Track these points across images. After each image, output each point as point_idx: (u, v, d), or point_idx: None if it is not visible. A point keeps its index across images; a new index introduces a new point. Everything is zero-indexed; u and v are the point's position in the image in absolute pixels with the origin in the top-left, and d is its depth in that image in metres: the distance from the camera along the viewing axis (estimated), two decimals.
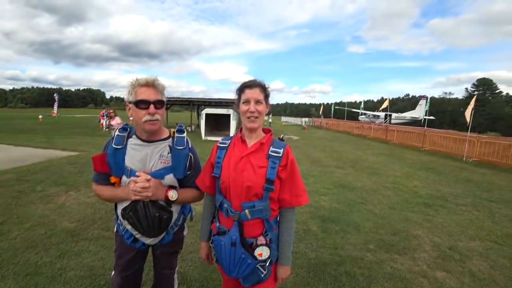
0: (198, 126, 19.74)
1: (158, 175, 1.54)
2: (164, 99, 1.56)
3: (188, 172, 1.62)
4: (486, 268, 3.27)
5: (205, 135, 16.73)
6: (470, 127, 13.54)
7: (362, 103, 41.39)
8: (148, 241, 1.65)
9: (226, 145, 1.52)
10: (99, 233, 3.65)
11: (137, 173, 1.49)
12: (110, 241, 3.41)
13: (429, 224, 4.52)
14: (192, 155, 1.64)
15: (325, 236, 3.86)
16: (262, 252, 1.38)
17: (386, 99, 31.83)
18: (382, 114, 40.16)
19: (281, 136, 1.57)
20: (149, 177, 1.47)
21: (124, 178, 1.55)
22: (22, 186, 5.54)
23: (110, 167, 1.54)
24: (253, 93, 1.42)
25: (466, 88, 67.67)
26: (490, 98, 61.77)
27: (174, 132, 1.64)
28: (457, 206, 5.55)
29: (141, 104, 1.46)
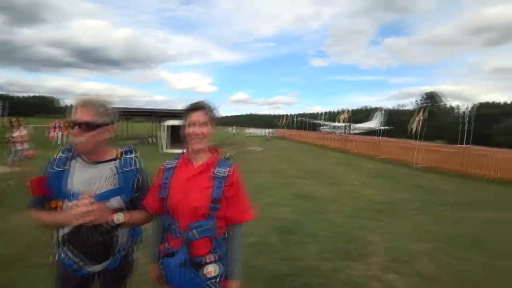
0: (160, 138, 19.15)
1: (103, 197, 1.47)
2: (100, 121, 1.47)
3: (135, 194, 1.57)
4: (432, 268, 3.52)
5: (167, 147, 16.29)
6: (419, 136, 14.70)
7: (323, 115, 43.15)
8: (92, 268, 1.54)
9: (173, 166, 1.53)
10: (47, 259, 3.33)
11: (79, 197, 1.40)
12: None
13: (382, 230, 4.78)
14: (140, 176, 1.59)
15: (284, 248, 3.90)
16: (212, 270, 1.40)
17: (346, 110, 33.52)
18: (342, 125, 42.10)
19: (227, 156, 1.60)
20: (92, 200, 1.39)
21: (66, 202, 1.45)
22: None
23: (51, 191, 1.45)
24: (198, 116, 1.45)
25: (416, 101, 74.21)
26: (436, 109, 67.83)
27: (121, 153, 1.59)
28: (408, 211, 5.95)
29: (70, 124, 1.43)
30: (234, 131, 38.96)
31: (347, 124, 40.44)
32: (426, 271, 3.43)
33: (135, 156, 1.61)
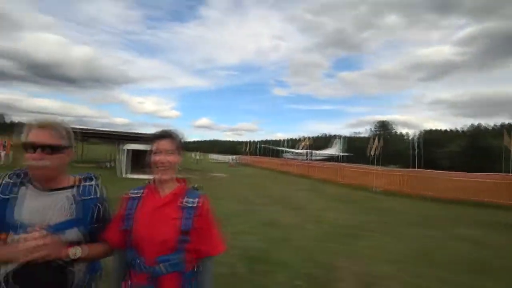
0: (120, 161, 18.12)
1: (58, 229, 1.29)
2: (64, 144, 1.35)
3: (95, 225, 1.41)
4: None
5: (126, 172, 15.45)
6: (376, 161, 15.61)
7: (286, 142, 44.40)
8: None
9: (139, 195, 1.42)
10: None
11: (29, 229, 1.21)
12: None
13: (347, 253, 4.84)
14: (100, 206, 1.44)
15: (253, 278, 3.74)
16: None
17: (306, 137, 34.83)
18: (304, 152, 43.50)
19: (195, 186, 1.52)
20: (44, 232, 1.22)
21: (12, 234, 1.25)
22: None
23: None
24: (164, 144, 1.40)
25: (371, 128, 79.84)
26: (388, 136, 73.45)
27: (80, 180, 1.44)
28: (370, 233, 6.13)
29: (27, 146, 1.27)
30: (197, 157, 38.30)
31: (308, 151, 41.94)
32: None
33: (96, 184, 1.47)
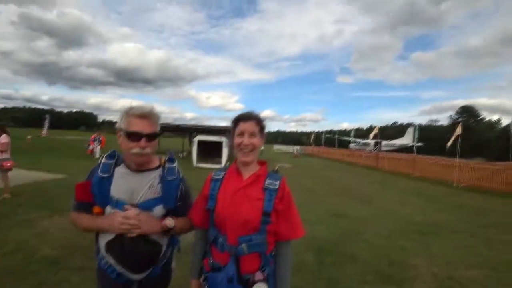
0: (190, 153, 19.58)
1: (147, 206, 1.46)
2: (158, 130, 1.50)
3: (178, 203, 1.55)
4: None
5: (197, 162, 16.59)
6: (450, 152, 13.83)
7: (353, 131, 42.15)
8: (134, 276, 1.51)
9: (221, 177, 1.47)
10: (82, 263, 3.40)
11: (126, 207, 1.39)
12: (94, 272, 3.20)
13: (425, 252, 4.43)
14: (183, 186, 1.58)
15: (321, 268, 3.72)
16: None
17: (375, 127, 32.49)
18: (372, 142, 40.82)
19: (276, 168, 1.53)
20: (138, 211, 1.39)
21: (108, 208, 1.45)
22: (2, 208, 5.24)
23: (95, 197, 1.44)
24: (248, 126, 1.40)
25: (451, 115, 70.06)
26: (473, 124, 63.76)
27: (164, 162, 1.58)
28: (452, 233, 5.50)
29: (132, 136, 1.40)
30: (262, 148, 39.06)
31: (377, 140, 39.19)
32: None
33: (177, 166, 1.59)
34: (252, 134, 1.40)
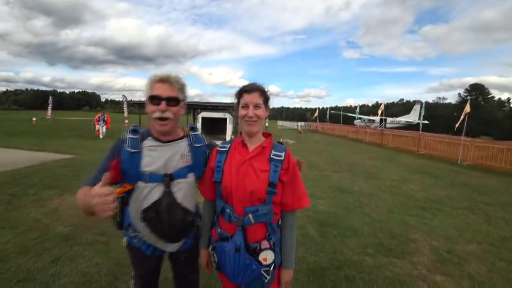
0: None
1: (182, 174, 1.49)
2: (181, 97, 1.48)
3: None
4: (485, 271, 3.27)
5: None
6: (463, 131, 13.69)
7: (358, 108, 41.63)
8: (169, 248, 1.56)
9: (226, 149, 1.50)
10: (94, 238, 3.56)
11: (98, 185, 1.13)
12: (106, 246, 3.34)
13: (426, 227, 4.53)
14: (208, 152, 1.60)
15: (324, 241, 3.83)
16: (267, 257, 1.36)
17: (381, 103, 32.03)
18: (377, 119, 40.42)
19: (280, 140, 1.55)
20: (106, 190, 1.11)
21: (140, 183, 1.43)
22: (14, 189, 5.41)
23: (124, 173, 1.42)
24: (252, 98, 1.40)
25: (459, 93, 68.71)
26: (482, 102, 62.62)
27: (188, 130, 1.61)
28: (453, 210, 5.57)
29: (153, 99, 1.40)
30: (266, 124, 39.05)
31: (383, 117, 38.78)
32: (477, 274, 3.20)
33: (200, 133, 1.63)
34: (256, 106, 1.40)
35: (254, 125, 1.41)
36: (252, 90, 1.42)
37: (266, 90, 1.46)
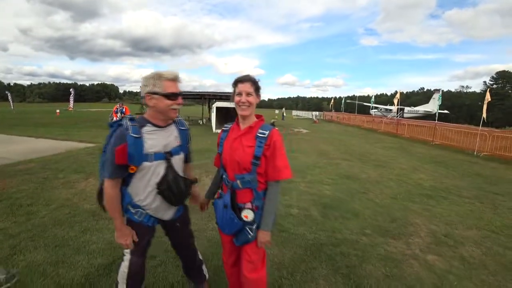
0: (209, 119, 20.06)
1: (177, 152, 1.87)
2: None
3: (188, 148, 2.02)
4: (478, 254, 3.38)
5: (216, 127, 17.08)
6: (482, 121, 13.35)
7: (373, 97, 40.68)
8: (166, 216, 1.91)
9: (227, 129, 1.89)
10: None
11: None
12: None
13: (428, 213, 4.67)
14: (189, 133, 2.03)
15: (324, 221, 4.10)
16: (248, 215, 1.71)
17: (398, 92, 31.20)
18: (394, 108, 39.48)
19: (272, 122, 1.87)
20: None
21: (146, 164, 1.70)
22: (45, 173, 6.03)
23: (130, 156, 1.62)
24: (244, 87, 1.72)
25: (485, 82, 65.37)
26: (510, 91, 59.51)
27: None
28: (460, 198, 5.62)
29: (171, 96, 1.72)
30: (284, 113, 39.19)
31: (400, 107, 37.82)
32: (470, 256, 3.32)
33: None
34: (248, 94, 1.72)
35: (246, 110, 1.74)
36: (245, 80, 1.74)
37: (257, 80, 1.78)
